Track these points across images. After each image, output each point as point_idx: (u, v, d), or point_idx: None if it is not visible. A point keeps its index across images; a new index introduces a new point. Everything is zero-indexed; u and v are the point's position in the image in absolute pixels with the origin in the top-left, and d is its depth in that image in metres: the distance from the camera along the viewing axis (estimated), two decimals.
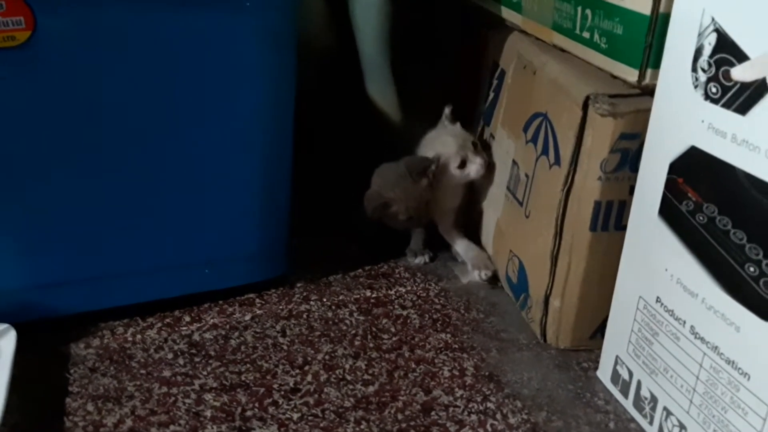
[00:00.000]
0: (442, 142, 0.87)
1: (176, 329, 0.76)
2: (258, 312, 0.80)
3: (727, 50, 0.51)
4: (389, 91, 0.93)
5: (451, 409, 0.67)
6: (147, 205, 0.72)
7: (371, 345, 0.75)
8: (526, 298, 0.78)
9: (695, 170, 0.55)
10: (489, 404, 0.67)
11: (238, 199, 0.76)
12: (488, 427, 0.65)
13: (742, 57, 0.50)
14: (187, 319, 0.78)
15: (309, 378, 0.70)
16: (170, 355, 0.72)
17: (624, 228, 0.66)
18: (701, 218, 0.55)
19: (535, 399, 0.68)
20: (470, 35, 0.95)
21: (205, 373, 0.70)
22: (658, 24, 0.60)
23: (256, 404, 0.66)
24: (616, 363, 0.68)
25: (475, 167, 0.86)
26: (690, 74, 0.54)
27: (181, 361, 0.72)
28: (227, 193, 0.75)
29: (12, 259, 0.70)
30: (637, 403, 0.66)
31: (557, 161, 0.70)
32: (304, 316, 0.80)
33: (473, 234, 0.92)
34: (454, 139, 0.87)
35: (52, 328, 0.74)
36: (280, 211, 0.81)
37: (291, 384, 0.69)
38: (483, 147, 0.88)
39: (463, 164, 0.86)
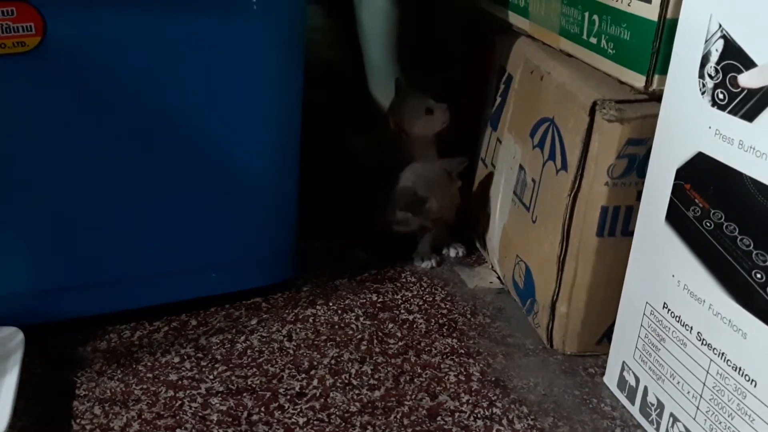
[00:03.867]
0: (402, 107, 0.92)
1: (183, 333, 0.77)
2: (264, 316, 0.80)
3: (735, 57, 0.51)
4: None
5: (457, 414, 0.67)
6: (154, 209, 0.73)
7: (377, 349, 0.75)
8: (533, 303, 0.78)
9: (702, 176, 0.55)
10: (495, 410, 0.67)
11: (245, 203, 0.76)
12: None
13: (749, 64, 0.50)
14: (194, 322, 0.78)
15: (315, 382, 0.70)
16: (177, 359, 0.73)
17: (631, 233, 0.66)
18: (708, 224, 0.55)
19: (541, 404, 0.68)
20: (477, 40, 0.95)
21: (211, 377, 0.70)
22: (665, 30, 0.60)
23: (262, 408, 0.66)
24: (622, 369, 0.68)
25: (441, 110, 0.90)
26: (697, 80, 0.54)
27: (187, 365, 0.72)
28: (234, 198, 0.76)
29: (20, 263, 0.70)
30: (644, 409, 0.66)
31: (564, 166, 0.70)
32: (311, 320, 0.80)
33: (480, 239, 0.92)
34: (412, 97, 0.91)
35: (60, 332, 0.74)
36: (286, 215, 0.81)
37: (297, 388, 0.69)
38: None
39: (429, 112, 0.90)
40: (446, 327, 0.79)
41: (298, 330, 0.78)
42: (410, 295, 0.85)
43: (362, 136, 0.97)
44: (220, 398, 0.67)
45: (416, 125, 0.91)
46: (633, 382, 0.67)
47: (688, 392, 0.59)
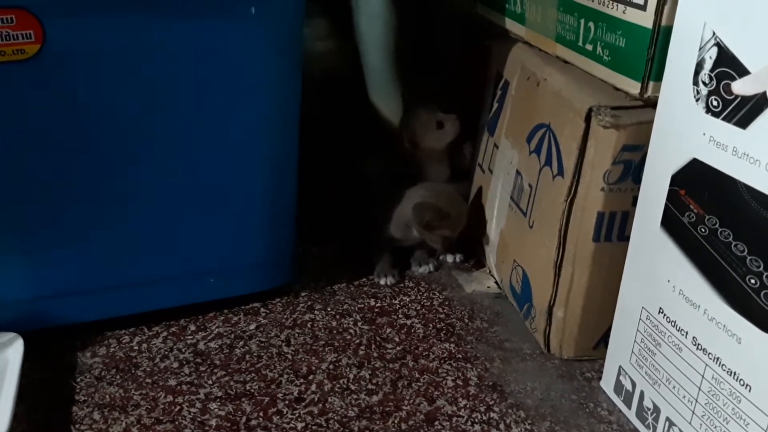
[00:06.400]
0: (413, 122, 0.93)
1: (182, 338, 0.77)
2: (263, 321, 0.80)
3: (728, 64, 0.51)
4: (393, 101, 0.94)
5: (454, 419, 0.67)
6: (153, 215, 0.73)
7: (375, 354, 0.75)
8: (530, 307, 0.78)
9: (697, 182, 0.56)
10: (492, 414, 0.68)
11: (244, 209, 0.77)
12: None
13: (742, 71, 0.50)
14: (193, 328, 0.79)
15: (313, 387, 0.70)
16: (175, 364, 0.73)
17: (627, 239, 0.66)
18: (703, 230, 0.55)
19: (538, 409, 0.68)
20: (474, 46, 0.95)
21: (210, 382, 0.71)
22: (659, 37, 0.61)
23: (261, 413, 0.67)
24: (619, 373, 0.69)
25: (450, 122, 0.91)
26: (691, 87, 0.55)
27: (186, 370, 0.72)
28: (232, 204, 0.76)
29: (19, 268, 0.71)
30: (640, 413, 0.66)
31: (560, 172, 0.71)
32: (309, 325, 0.80)
33: (477, 243, 0.93)
34: (421, 111, 0.92)
35: (59, 337, 0.74)
36: (285, 220, 0.81)
37: (295, 393, 0.69)
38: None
39: (440, 125, 0.91)
40: (444, 332, 0.80)
41: (296, 335, 0.78)
42: (408, 299, 0.86)
43: (365, 142, 0.97)
44: (218, 403, 0.68)
45: (428, 139, 0.92)
46: (629, 387, 0.67)
47: (684, 397, 0.60)
